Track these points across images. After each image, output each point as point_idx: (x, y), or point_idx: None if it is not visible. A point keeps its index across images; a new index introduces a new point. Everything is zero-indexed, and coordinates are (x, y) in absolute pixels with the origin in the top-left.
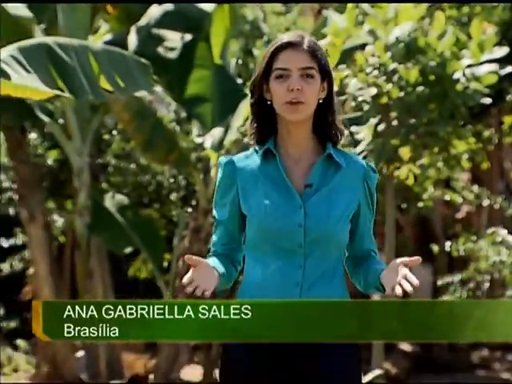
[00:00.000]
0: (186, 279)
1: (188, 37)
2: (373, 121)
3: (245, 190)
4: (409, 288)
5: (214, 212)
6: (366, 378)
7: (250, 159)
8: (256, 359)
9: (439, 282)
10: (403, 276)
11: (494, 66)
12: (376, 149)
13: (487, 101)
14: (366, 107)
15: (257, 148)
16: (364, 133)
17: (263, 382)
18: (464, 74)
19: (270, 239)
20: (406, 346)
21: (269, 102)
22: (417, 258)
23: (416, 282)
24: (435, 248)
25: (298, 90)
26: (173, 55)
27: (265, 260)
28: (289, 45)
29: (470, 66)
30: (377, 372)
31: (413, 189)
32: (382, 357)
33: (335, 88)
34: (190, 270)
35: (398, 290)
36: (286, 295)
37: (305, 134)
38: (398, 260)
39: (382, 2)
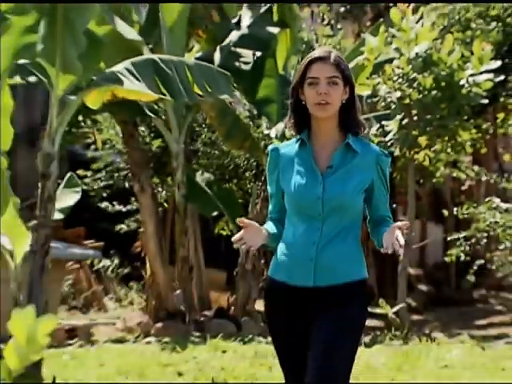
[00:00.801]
0: (234, 237)
1: (258, 54)
2: (398, 117)
3: (283, 170)
4: (397, 247)
5: (268, 187)
6: (392, 310)
7: (289, 147)
8: (288, 297)
9: (448, 238)
10: (396, 237)
11: (490, 75)
12: (401, 138)
13: (485, 101)
14: (393, 106)
15: (296, 137)
16: (392, 126)
17: (291, 312)
18: (467, 81)
19: (298, 208)
20: (422, 287)
21: (303, 103)
22: (406, 223)
23: (402, 242)
24: (445, 212)
25: (325, 93)
26: (247, 67)
27: (295, 224)
28: (318, 59)
29: (472, 75)
30: (401, 305)
31: (428, 168)
32: (404, 294)
33: (368, 92)
34: (242, 230)
35: (388, 248)
36: (305, 252)
37: (331, 127)
38: (395, 224)
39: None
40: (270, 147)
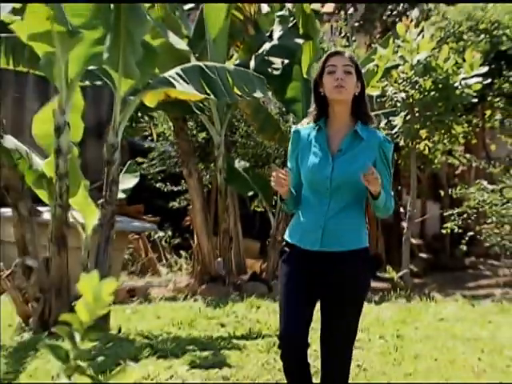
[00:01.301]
0: (272, 176)
1: (286, 61)
2: (402, 113)
3: (302, 151)
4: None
5: (288, 163)
6: (398, 275)
7: (308, 130)
8: (298, 257)
9: (444, 214)
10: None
11: (479, 79)
12: (404, 131)
13: (475, 100)
14: (398, 105)
15: (316, 120)
16: (397, 121)
17: (300, 269)
18: (460, 84)
19: (310, 184)
20: (423, 255)
21: (322, 94)
22: (371, 167)
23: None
24: (442, 192)
25: (342, 79)
26: (277, 72)
27: (308, 198)
28: (336, 53)
29: (464, 78)
30: (405, 270)
31: (427, 156)
32: (408, 261)
33: (378, 92)
34: (276, 172)
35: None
36: (315, 222)
37: (344, 114)
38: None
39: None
40: (292, 128)
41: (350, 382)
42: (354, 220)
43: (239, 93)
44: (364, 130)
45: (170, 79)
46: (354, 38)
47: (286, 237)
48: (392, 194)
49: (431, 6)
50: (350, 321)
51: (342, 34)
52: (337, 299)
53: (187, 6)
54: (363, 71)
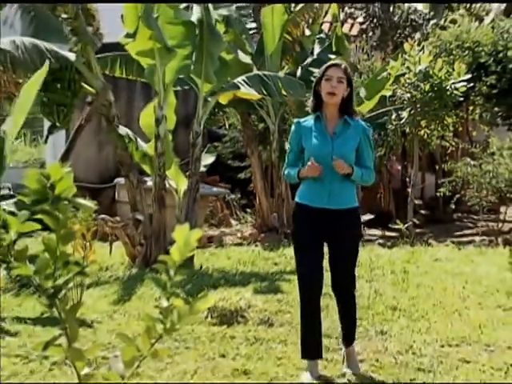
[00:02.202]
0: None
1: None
2: (408, 109)
3: (305, 136)
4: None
5: (289, 146)
6: (404, 226)
7: (308, 121)
8: (309, 215)
9: (438, 182)
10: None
11: (464, 83)
12: (409, 122)
13: (461, 99)
14: (405, 102)
15: (313, 115)
16: (404, 114)
17: (311, 224)
18: (450, 87)
19: (315, 159)
20: (422, 211)
21: (319, 93)
22: (336, 162)
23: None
24: (437, 166)
25: (334, 87)
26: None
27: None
28: (334, 65)
29: (453, 83)
30: (409, 223)
31: (426, 140)
32: (411, 216)
33: (390, 93)
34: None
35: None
36: (323, 186)
37: (335, 110)
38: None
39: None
40: (294, 121)
41: (368, 304)
42: (349, 185)
43: (286, 93)
44: (350, 119)
45: (238, 84)
46: (372, 54)
47: (297, 199)
48: (370, 166)
49: (429, 30)
50: (354, 249)
51: (364, 51)
52: (340, 240)
53: (251, 29)
54: (379, 78)
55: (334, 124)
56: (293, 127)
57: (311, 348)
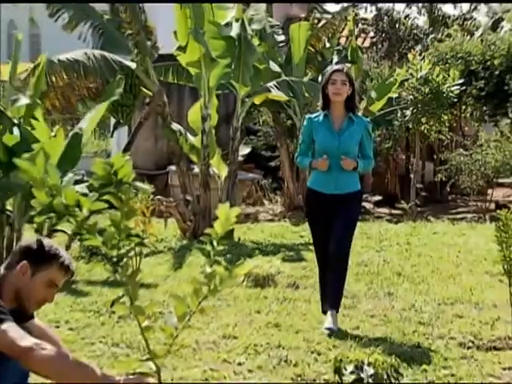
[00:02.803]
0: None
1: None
2: (411, 108)
3: (315, 129)
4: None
5: (301, 137)
6: (408, 205)
7: (317, 117)
8: (319, 199)
9: (436, 169)
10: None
11: (457, 87)
12: (412, 119)
13: (455, 100)
14: (409, 103)
15: (322, 112)
16: (408, 112)
17: (321, 208)
18: (446, 90)
19: (324, 151)
20: (423, 193)
21: (327, 94)
22: (345, 161)
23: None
24: (435, 156)
25: (339, 89)
26: None
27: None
28: (337, 70)
29: (448, 86)
30: (412, 203)
31: (426, 134)
32: (414, 197)
33: (396, 95)
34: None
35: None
36: (332, 174)
37: (341, 108)
38: (348, 160)
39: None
40: (306, 116)
41: (377, 270)
42: (352, 173)
43: (309, 96)
44: (354, 116)
45: (269, 87)
46: (381, 62)
47: (310, 185)
48: (371, 156)
49: (429, 42)
50: (352, 226)
51: (374, 60)
52: (342, 218)
53: (280, 42)
54: (387, 82)
55: (340, 120)
56: (305, 122)
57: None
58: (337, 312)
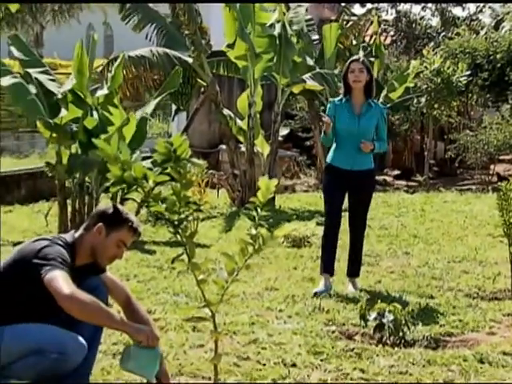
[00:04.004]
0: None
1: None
2: (425, 96)
3: (337, 112)
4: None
5: (326, 119)
6: (422, 178)
7: (340, 101)
8: (338, 174)
9: (447, 147)
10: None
11: (465, 78)
12: (426, 105)
13: (463, 89)
14: (424, 91)
15: (344, 98)
16: (423, 99)
17: (339, 182)
18: (455, 80)
19: (345, 131)
20: (435, 168)
21: (347, 82)
22: (365, 145)
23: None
24: (445, 137)
25: (357, 76)
26: None
27: (342, 139)
28: (355, 60)
29: (457, 77)
30: (425, 176)
31: (437, 117)
32: (427, 171)
33: (412, 85)
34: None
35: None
36: (350, 152)
37: (360, 94)
38: (366, 143)
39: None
40: (330, 100)
41: (396, 233)
42: (369, 152)
43: (339, 86)
44: (372, 102)
45: (305, 79)
46: (400, 57)
47: (329, 161)
48: (385, 139)
49: (441, 40)
50: (368, 200)
51: (394, 55)
52: (358, 192)
53: (314, 40)
54: (405, 74)
55: (359, 105)
56: (328, 105)
57: (327, 265)
58: (357, 276)
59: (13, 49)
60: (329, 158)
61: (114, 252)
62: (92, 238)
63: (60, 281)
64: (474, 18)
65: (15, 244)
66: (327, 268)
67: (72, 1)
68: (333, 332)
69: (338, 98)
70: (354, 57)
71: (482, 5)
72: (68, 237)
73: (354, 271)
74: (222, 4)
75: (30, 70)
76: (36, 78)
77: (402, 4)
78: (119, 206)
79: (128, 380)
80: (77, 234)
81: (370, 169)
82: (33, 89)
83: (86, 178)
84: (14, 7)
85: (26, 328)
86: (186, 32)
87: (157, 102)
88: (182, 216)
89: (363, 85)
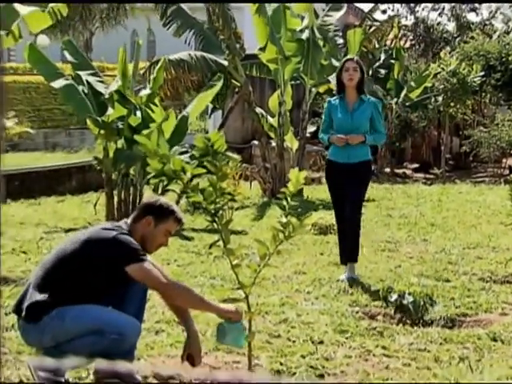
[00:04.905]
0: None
1: (386, 71)
2: (442, 95)
3: (333, 110)
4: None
5: (323, 117)
6: (439, 171)
7: (335, 100)
8: (336, 168)
9: (462, 142)
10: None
11: (479, 78)
12: (443, 103)
13: (477, 88)
14: (440, 91)
15: (338, 96)
16: (440, 98)
17: (338, 174)
18: (470, 80)
19: (339, 127)
20: (451, 161)
21: (342, 80)
22: (351, 136)
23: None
24: (460, 132)
25: (351, 75)
26: (382, 76)
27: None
28: (349, 59)
29: (472, 78)
30: (442, 169)
31: (454, 115)
32: (444, 164)
33: (430, 85)
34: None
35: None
36: (345, 147)
37: (354, 91)
38: (353, 136)
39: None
40: (327, 99)
41: (415, 221)
42: (363, 146)
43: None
44: (365, 97)
45: (330, 79)
46: (419, 60)
47: (328, 156)
48: (381, 131)
49: (456, 43)
50: (363, 190)
51: (413, 58)
52: (354, 182)
53: (339, 44)
54: (423, 75)
55: (353, 101)
56: (325, 104)
57: (341, 256)
58: (355, 262)
59: (66, 53)
60: (328, 154)
61: (161, 240)
62: (142, 228)
63: (154, 272)
64: (487, 23)
65: (67, 231)
66: (342, 260)
67: (117, 0)
68: (357, 312)
69: (334, 98)
70: (349, 56)
71: (494, 10)
72: (124, 226)
73: (351, 257)
74: (253, 10)
75: (81, 73)
76: (86, 80)
77: (421, 10)
78: (164, 200)
79: (171, 354)
80: (129, 223)
81: (366, 160)
82: (83, 89)
83: (131, 171)
84: (64, 10)
85: (86, 309)
86: (222, 37)
87: (195, 102)
88: (218, 205)
89: (356, 82)
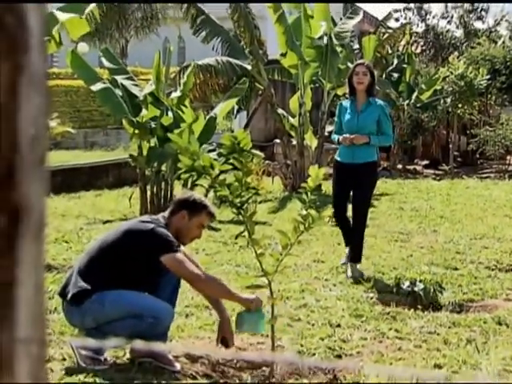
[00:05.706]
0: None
1: (398, 74)
2: (450, 97)
3: (343, 111)
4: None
5: (335, 119)
6: (447, 167)
7: (346, 102)
8: (343, 168)
9: (469, 141)
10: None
11: (485, 81)
12: (451, 104)
13: (483, 90)
14: (449, 93)
15: (349, 98)
16: (448, 99)
17: (344, 174)
18: (477, 83)
19: (346, 128)
20: (459, 158)
21: (352, 84)
22: (355, 136)
23: (355, 139)
24: (468, 132)
25: (361, 78)
26: (394, 79)
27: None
28: (360, 63)
29: (479, 81)
30: (450, 166)
31: (461, 115)
32: (452, 161)
33: (439, 87)
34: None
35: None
36: (351, 148)
37: (363, 94)
38: (358, 136)
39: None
40: (339, 102)
41: (425, 214)
42: (368, 147)
43: (377, 88)
44: (373, 99)
45: (345, 82)
46: (429, 64)
47: (336, 156)
48: (388, 133)
49: (464, 49)
50: (367, 192)
51: (424, 62)
52: (360, 182)
53: (355, 50)
54: (433, 78)
55: (361, 103)
56: (337, 107)
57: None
58: (358, 262)
59: (103, 59)
60: (336, 154)
61: (195, 233)
62: (177, 221)
63: (186, 263)
64: (493, 29)
65: (104, 222)
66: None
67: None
68: (371, 298)
69: (346, 101)
70: (359, 61)
71: (499, 18)
72: (162, 219)
73: (353, 257)
74: (275, 19)
75: (117, 77)
76: (122, 84)
77: (431, 18)
78: (198, 195)
79: (199, 336)
80: (166, 217)
81: (370, 161)
82: (119, 92)
83: (162, 168)
84: (96, 12)
85: (123, 294)
86: (246, 43)
87: (222, 104)
88: (243, 199)
89: (366, 86)
